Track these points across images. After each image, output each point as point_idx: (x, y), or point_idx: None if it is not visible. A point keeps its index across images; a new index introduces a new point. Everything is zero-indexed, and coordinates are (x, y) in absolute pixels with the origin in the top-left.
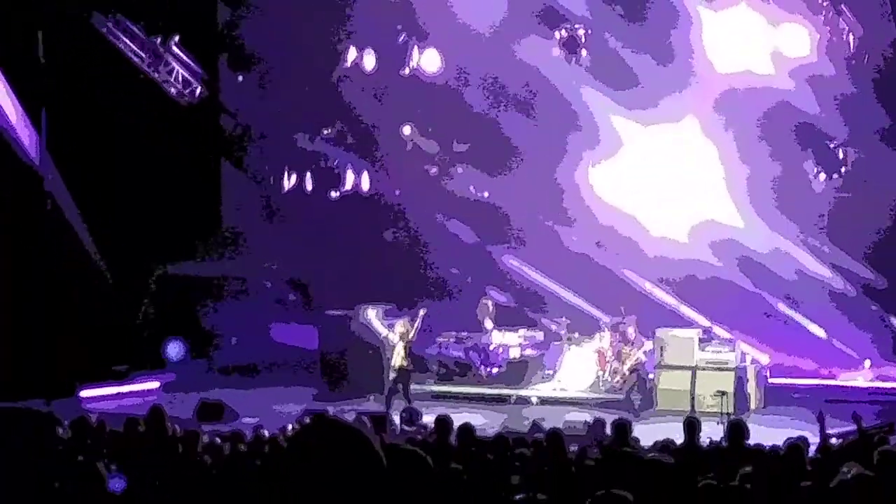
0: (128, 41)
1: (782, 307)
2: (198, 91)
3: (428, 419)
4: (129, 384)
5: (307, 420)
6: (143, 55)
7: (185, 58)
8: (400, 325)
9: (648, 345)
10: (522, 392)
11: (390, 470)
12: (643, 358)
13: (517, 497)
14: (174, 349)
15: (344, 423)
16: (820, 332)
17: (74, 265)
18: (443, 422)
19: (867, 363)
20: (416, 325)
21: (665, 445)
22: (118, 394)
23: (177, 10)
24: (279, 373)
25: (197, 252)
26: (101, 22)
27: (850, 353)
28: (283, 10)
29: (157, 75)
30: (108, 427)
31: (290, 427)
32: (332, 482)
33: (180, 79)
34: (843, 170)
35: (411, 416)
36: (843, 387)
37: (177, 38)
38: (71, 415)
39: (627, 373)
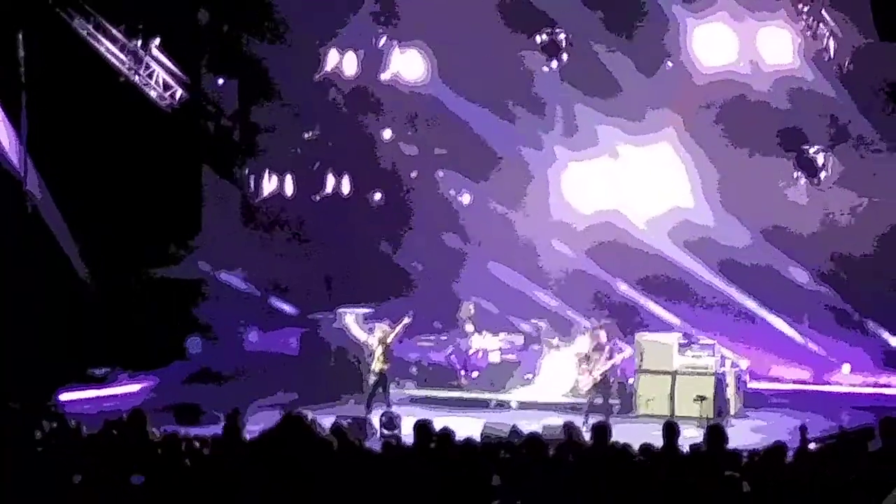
0: (108, 44)
1: (762, 312)
2: (178, 94)
3: (408, 423)
4: (109, 388)
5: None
6: (124, 58)
7: (165, 61)
8: (379, 329)
9: (628, 350)
10: (502, 396)
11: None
12: (617, 361)
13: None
14: (193, 344)
15: (308, 427)
16: (798, 337)
17: (55, 268)
18: (422, 426)
19: (846, 368)
20: (396, 330)
21: (645, 449)
22: (98, 397)
23: (158, 14)
24: (260, 376)
25: (177, 255)
26: (82, 25)
27: (829, 358)
28: (264, 13)
29: (137, 78)
30: (87, 429)
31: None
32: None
33: (161, 82)
34: (822, 175)
35: (391, 420)
36: (822, 392)
37: (157, 42)
38: (50, 417)
39: (600, 377)
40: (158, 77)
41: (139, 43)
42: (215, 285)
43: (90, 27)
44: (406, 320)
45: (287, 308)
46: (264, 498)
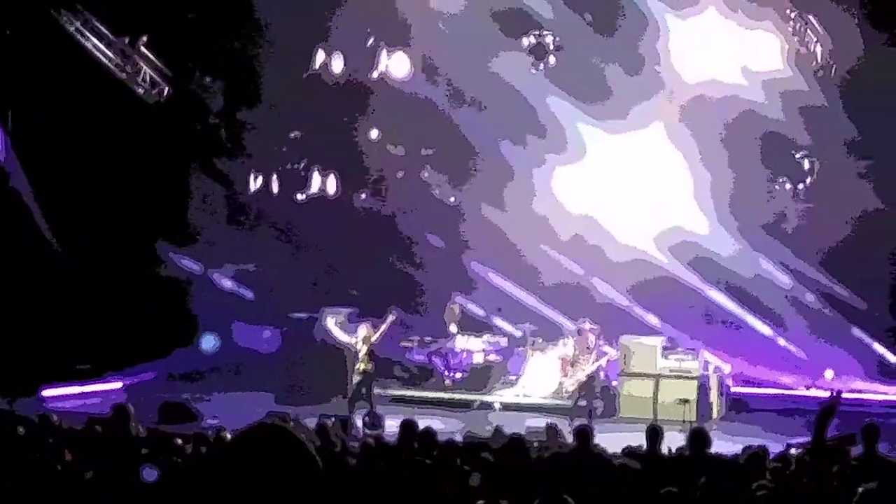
0: (96, 40)
1: (745, 316)
2: (165, 91)
3: (391, 423)
4: (92, 384)
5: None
6: (111, 55)
7: (152, 58)
8: (363, 329)
9: (613, 353)
10: (485, 397)
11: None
12: (602, 364)
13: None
14: (208, 342)
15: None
16: (782, 342)
17: (39, 264)
18: (408, 426)
19: (829, 373)
20: (381, 329)
21: (631, 451)
22: (81, 393)
23: (145, 12)
24: (241, 376)
25: (163, 253)
26: (70, 21)
27: (812, 364)
28: (252, 10)
29: (124, 75)
30: (69, 426)
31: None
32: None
33: (148, 79)
34: (808, 180)
35: (374, 421)
36: (804, 397)
37: (144, 39)
38: (32, 414)
39: (584, 379)
40: (145, 74)
41: (126, 40)
42: (200, 283)
43: (78, 24)
44: (390, 318)
45: (269, 307)
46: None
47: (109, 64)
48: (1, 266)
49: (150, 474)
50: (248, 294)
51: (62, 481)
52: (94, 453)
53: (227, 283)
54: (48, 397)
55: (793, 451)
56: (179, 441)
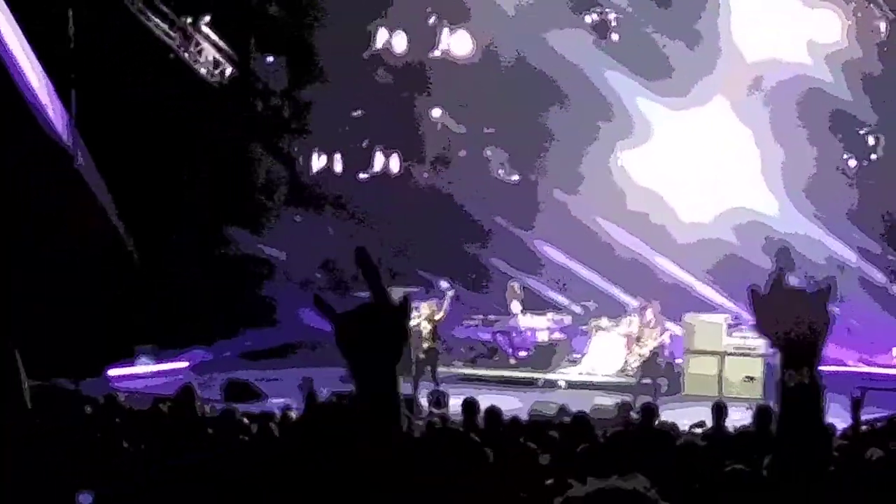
0: (158, 21)
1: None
2: (228, 71)
3: (455, 402)
4: (156, 364)
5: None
6: (174, 35)
7: (215, 38)
8: (426, 307)
9: (676, 329)
10: (550, 376)
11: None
12: (666, 340)
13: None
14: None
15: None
16: (849, 320)
17: (102, 244)
18: (470, 405)
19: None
20: (444, 306)
21: (699, 425)
22: (146, 374)
23: None
24: (308, 355)
25: (226, 233)
26: (132, 1)
27: (878, 341)
28: None
29: (187, 55)
30: (135, 406)
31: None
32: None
33: (210, 59)
34: (872, 156)
35: (438, 399)
36: (871, 374)
37: (207, 19)
38: (99, 394)
39: (648, 356)
40: (208, 54)
41: (189, 20)
42: (264, 263)
43: (140, 3)
44: (450, 294)
45: (335, 286)
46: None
47: (172, 44)
48: (66, 247)
49: (85, 499)
50: (313, 274)
51: (129, 461)
52: (160, 433)
53: (290, 262)
54: (114, 377)
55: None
56: (246, 420)
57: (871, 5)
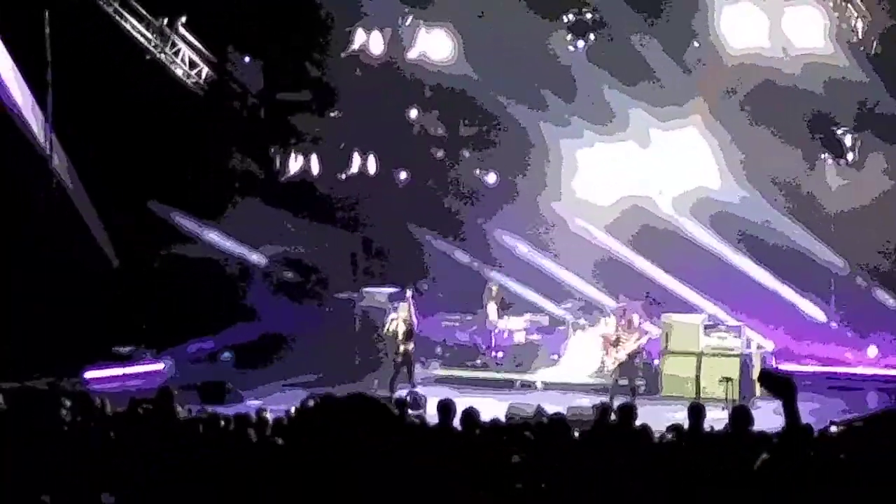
0: (134, 21)
1: (788, 293)
2: (204, 73)
3: (432, 403)
4: (133, 366)
5: (311, 402)
6: (150, 36)
7: (192, 39)
8: (402, 310)
9: (655, 331)
10: (527, 377)
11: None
12: (643, 342)
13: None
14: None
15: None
16: (825, 319)
17: (79, 246)
18: (445, 406)
19: (872, 350)
20: (409, 309)
21: (676, 427)
22: (123, 375)
23: None
24: (284, 356)
25: (202, 234)
26: (108, 2)
27: (855, 340)
28: None
29: (163, 56)
30: (112, 408)
31: (292, 410)
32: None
33: (187, 60)
34: (849, 156)
35: (416, 400)
36: (848, 374)
37: (183, 20)
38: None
39: (625, 358)
40: (184, 55)
41: (165, 21)
42: (240, 264)
43: (116, 4)
44: (408, 294)
45: (309, 287)
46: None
47: (148, 45)
48: (42, 247)
49: (107, 499)
50: (289, 274)
51: (106, 462)
52: (137, 435)
53: (267, 264)
54: (90, 379)
55: (833, 428)
56: (222, 423)
57: (849, 6)
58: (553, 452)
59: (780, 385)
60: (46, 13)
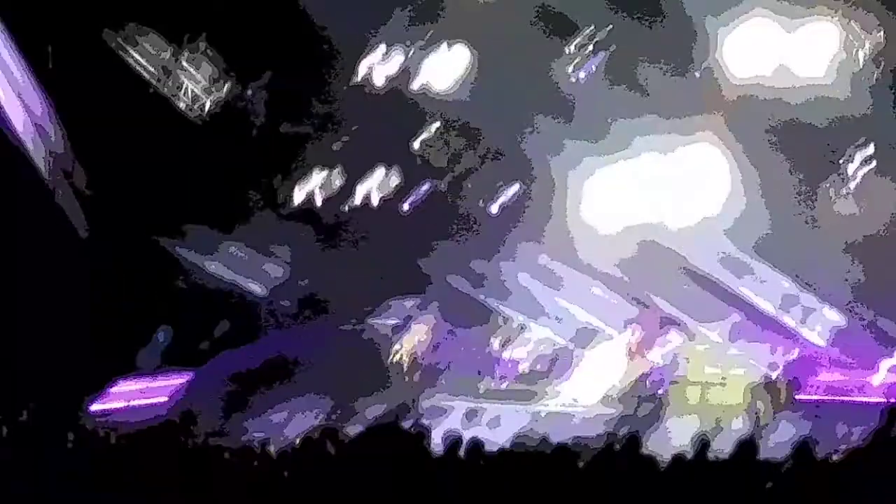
0: (137, 56)
1: (794, 322)
2: (207, 106)
3: (437, 432)
4: (153, 381)
5: (317, 435)
6: (153, 70)
7: (195, 73)
8: (408, 339)
9: (659, 357)
10: (532, 405)
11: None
12: (647, 371)
13: None
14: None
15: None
16: (830, 347)
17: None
18: (452, 437)
19: (877, 378)
20: (417, 339)
21: (679, 458)
22: (142, 390)
23: (187, 26)
24: (293, 382)
25: (206, 265)
26: (111, 37)
27: (862, 369)
28: (295, 18)
29: (166, 90)
30: (119, 434)
31: (297, 442)
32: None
33: (189, 94)
34: (852, 185)
35: (420, 431)
36: (856, 402)
37: (187, 55)
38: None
39: (630, 385)
40: (187, 89)
41: (168, 55)
42: (245, 293)
43: (119, 39)
44: (423, 327)
45: (313, 316)
46: None
47: (151, 79)
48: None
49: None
50: (289, 303)
51: (113, 491)
52: (143, 465)
53: (270, 294)
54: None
55: (835, 457)
56: (227, 455)
57: (853, 34)
58: (558, 483)
59: None
60: (50, 48)
